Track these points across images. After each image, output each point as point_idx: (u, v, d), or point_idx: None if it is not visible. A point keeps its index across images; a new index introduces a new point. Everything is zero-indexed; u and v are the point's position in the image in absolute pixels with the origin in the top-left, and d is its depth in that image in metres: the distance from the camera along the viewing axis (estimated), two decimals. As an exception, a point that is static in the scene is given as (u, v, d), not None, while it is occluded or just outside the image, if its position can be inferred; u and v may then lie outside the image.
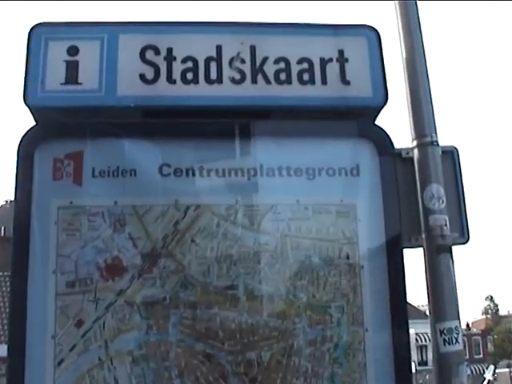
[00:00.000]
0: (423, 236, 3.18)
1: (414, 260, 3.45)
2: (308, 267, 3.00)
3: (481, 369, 38.81)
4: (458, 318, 3.12)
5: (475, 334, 55.78)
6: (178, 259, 2.94)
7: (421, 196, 3.21)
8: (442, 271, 3.13)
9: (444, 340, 3.07)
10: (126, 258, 2.95)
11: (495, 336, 57.52)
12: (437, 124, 3.30)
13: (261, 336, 2.93)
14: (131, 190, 3.01)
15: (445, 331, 3.07)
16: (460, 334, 3.08)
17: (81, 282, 2.93)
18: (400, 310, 3.03)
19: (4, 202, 30.53)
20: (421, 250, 3.21)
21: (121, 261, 2.94)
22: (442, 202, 3.18)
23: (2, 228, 25.30)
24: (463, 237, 3.30)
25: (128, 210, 2.98)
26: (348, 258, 3.06)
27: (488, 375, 31.54)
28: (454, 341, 3.07)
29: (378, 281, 3.05)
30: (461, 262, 3.37)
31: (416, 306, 37.27)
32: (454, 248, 3.15)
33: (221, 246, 2.97)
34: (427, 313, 3.18)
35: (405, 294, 3.04)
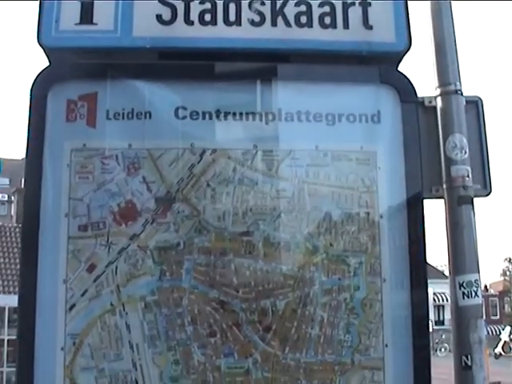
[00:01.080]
0: (444, 187, 2.81)
1: (433, 216, 3.07)
2: (326, 215, 2.66)
3: (497, 330, 38.16)
4: (478, 272, 2.77)
5: (493, 296, 54.18)
6: (193, 204, 2.59)
7: (443, 146, 2.86)
8: (463, 223, 2.78)
9: (463, 293, 2.73)
10: (139, 202, 2.62)
11: (513, 298, 55.82)
12: (461, 74, 2.87)
13: (276, 284, 2.59)
14: (146, 132, 2.68)
15: (464, 284, 2.73)
16: (479, 288, 2.75)
17: (93, 225, 2.60)
18: (419, 262, 2.69)
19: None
20: (441, 202, 2.81)
21: (134, 205, 2.60)
22: (465, 152, 2.82)
23: (23, 180, 24.99)
24: (485, 189, 2.95)
25: (142, 154, 2.65)
26: (367, 206, 2.65)
27: (504, 336, 31.02)
28: (473, 294, 2.72)
29: (397, 231, 2.70)
30: (481, 223, 2.99)
31: (435, 266, 36.54)
32: (476, 202, 2.76)
33: (237, 191, 2.62)
34: (446, 273, 2.81)
35: (424, 245, 2.70)
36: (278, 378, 2.57)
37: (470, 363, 2.68)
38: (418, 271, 2.69)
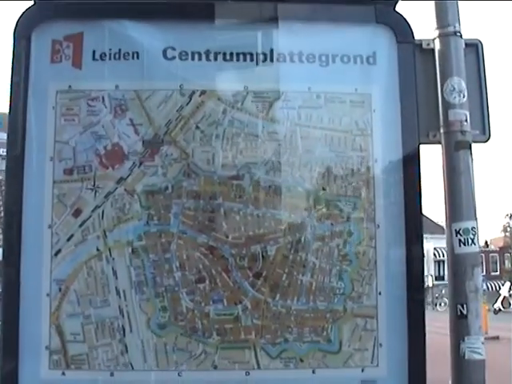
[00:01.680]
0: (442, 131, 2.56)
1: (430, 164, 2.84)
2: (318, 158, 2.43)
3: (497, 285, 37.68)
4: (475, 219, 2.56)
5: (493, 252, 52.95)
6: (182, 147, 2.38)
7: (441, 89, 2.63)
8: (461, 169, 2.54)
9: (459, 241, 2.51)
10: (126, 145, 2.41)
11: (512, 253, 54.38)
12: (461, 18, 2.63)
13: (266, 229, 2.37)
14: (133, 73, 2.46)
15: (461, 231, 2.51)
16: (476, 236, 2.52)
17: (79, 169, 2.39)
18: (414, 207, 2.47)
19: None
20: (438, 148, 2.57)
21: (121, 148, 2.39)
22: (463, 96, 2.58)
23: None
24: (484, 134, 2.73)
25: (130, 95, 2.43)
26: (361, 150, 2.41)
27: (504, 291, 30.60)
28: (470, 242, 2.50)
29: (392, 176, 2.48)
30: (482, 177, 2.74)
31: (435, 221, 35.85)
32: (477, 155, 2.54)
33: (226, 133, 2.40)
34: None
35: (420, 190, 2.47)
36: (268, 326, 2.37)
37: (465, 312, 2.48)
38: (414, 217, 2.47)
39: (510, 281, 32.02)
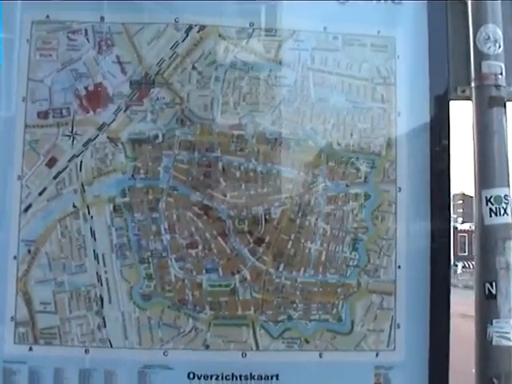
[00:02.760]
0: (473, 85, 1.99)
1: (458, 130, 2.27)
2: (333, 109, 1.86)
3: None
4: (508, 186, 1.93)
5: None
6: (175, 89, 1.84)
7: (473, 38, 2.03)
8: (494, 127, 2.00)
9: (490, 210, 1.96)
10: (111, 86, 1.88)
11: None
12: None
13: (271, 188, 1.82)
14: (121, 4, 1.92)
15: (492, 199, 1.97)
16: (510, 205, 1.92)
17: (55, 112, 1.86)
18: (442, 170, 1.90)
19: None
20: (468, 106, 2.01)
21: (105, 89, 1.85)
22: (499, 46, 2.03)
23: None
24: (520, 92, 2.12)
25: (117, 28, 1.91)
26: (382, 101, 1.85)
27: None
28: (502, 212, 1.96)
29: (417, 133, 1.93)
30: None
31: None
32: (510, 110, 1.98)
33: (228, 75, 1.85)
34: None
35: (449, 151, 1.90)
36: (269, 300, 1.83)
37: (494, 292, 1.93)
38: (441, 181, 1.90)
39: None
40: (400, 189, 1.92)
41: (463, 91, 2.10)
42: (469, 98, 2.08)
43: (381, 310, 1.91)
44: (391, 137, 1.93)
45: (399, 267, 1.90)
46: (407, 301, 1.91)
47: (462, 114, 2.20)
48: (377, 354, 1.91)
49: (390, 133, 1.93)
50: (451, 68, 2.07)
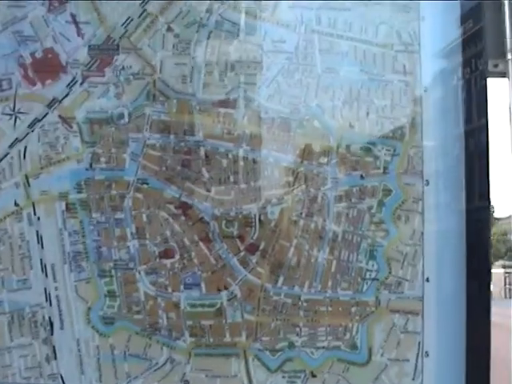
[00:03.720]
0: (509, 58, 1.50)
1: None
2: (344, 81, 1.36)
3: None
4: None
5: None
6: (145, 56, 1.34)
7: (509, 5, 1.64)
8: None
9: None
10: (64, 52, 1.39)
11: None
12: None
13: (267, 180, 1.30)
14: (78, -50, 1.36)
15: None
16: None
17: (-7, 85, 1.30)
18: (478, 159, 1.37)
19: None
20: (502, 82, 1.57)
21: (57, 55, 1.38)
22: (539, 12, 1.54)
23: None
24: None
25: (72, -20, 1.33)
26: (405, 73, 1.36)
27: None
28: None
29: (447, 113, 1.39)
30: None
31: None
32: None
33: (212, 39, 1.33)
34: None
35: (487, 136, 1.38)
36: (265, 323, 1.34)
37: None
38: (477, 172, 1.40)
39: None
40: (428, 182, 1.45)
41: (496, 65, 1.62)
42: (503, 74, 1.59)
43: (405, 333, 1.43)
44: (416, 117, 1.44)
45: (427, 280, 1.43)
46: (438, 322, 1.44)
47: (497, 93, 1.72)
48: None
49: (414, 112, 1.45)
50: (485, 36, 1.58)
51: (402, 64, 1.50)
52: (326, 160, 1.45)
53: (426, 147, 1.49)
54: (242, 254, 1.41)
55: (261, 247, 1.42)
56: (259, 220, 1.42)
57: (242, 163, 1.42)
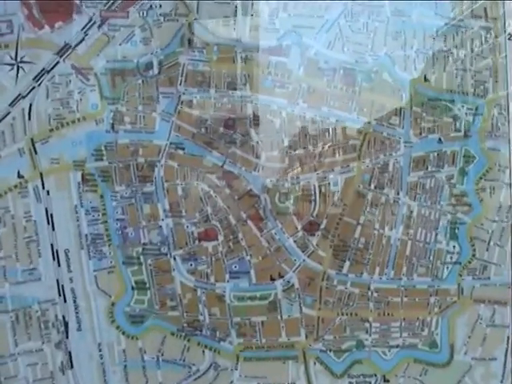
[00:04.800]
0: None
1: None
2: (417, 27, 1.10)
3: None
4: None
5: None
6: None
7: None
8: None
9: None
10: (77, -11, 0.98)
11: None
12: None
13: (328, 145, 0.97)
14: None
15: None
16: None
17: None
18: None
19: None
20: None
21: (67, -7, 0.98)
22: None
23: None
24: None
25: None
26: (486, 17, 1.05)
27: None
28: None
29: None
30: None
31: None
32: None
33: None
34: None
35: None
36: (328, 318, 1.02)
37: None
38: None
39: None
40: None
41: None
42: None
43: (492, 327, 1.12)
44: (500, 70, 1.12)
45: None
46: None
47: None
48: None
49: (498, 64, 1.12)
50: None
51: (483, 7, 1.19)
52: (397, 120, 1.13)
53: None
54: (300, 234, 1.09)
55: (322, 226, 1.10)
56: (320, 193, 1.09)
57: (297, 123, 1.09)
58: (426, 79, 1.18)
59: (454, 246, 1.18)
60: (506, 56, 1.22)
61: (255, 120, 1.12)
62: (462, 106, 1.19)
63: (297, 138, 1.13)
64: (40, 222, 1.09)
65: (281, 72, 1.13)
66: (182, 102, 1.12)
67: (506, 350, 1.20)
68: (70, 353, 1.10)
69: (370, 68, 1.16)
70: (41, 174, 1.10)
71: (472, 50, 1.21)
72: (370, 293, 1.15)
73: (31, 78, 1.11)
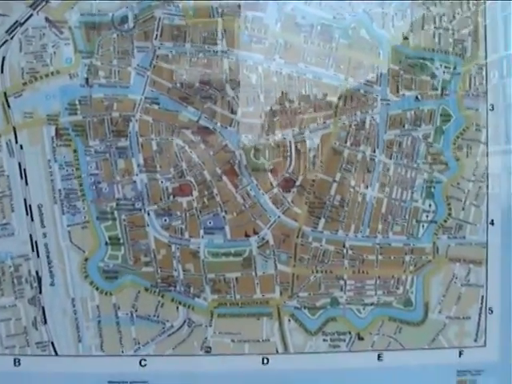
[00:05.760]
0: None
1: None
2: None
3: None
4: None
5: None
6: None
7: None
8: None
9: None
10: None
11: None
12: None
13: (304, 100, 0.96)
14: None
15: None
16: None
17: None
18: None
19: None
20: None
21: None
22: None
23: None
24: None
25: None
26: None
27: None
28: None
29: None
30: None
31: None
32: None
33: None
34: None
35: None
36: (303, 275, 0.97)
37: None
38: None
39: None
40: (492, 107, 1.09)
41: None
42: None
43: (466, 286, 1.11)
44: (479, 29, 1.09)
45: (492, 223, 1.09)
46: (504, 273, 1.09)
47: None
48: (460, 353, 1.10)
49: (477, 23, 1.10)
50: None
51: (462, -35, 1.15)
52: (374, 77, 1.10)
53: (491, 65, 1.14)
54: (275, 190, 1.06)
55: (298, 182, 1.07)
56: (296, 149, 1.06)
57: (274, 78, 1.06)
58: (404, 37, 1.15)
59: (429, 205, 1.15)
60: (484, 15, 1.19)
61: (231, 75, 1.09)
62: (440, 65, 1.16)
63: (273, 94, 1.10)
64: (13, 177, 1.06)
65: (257, 27, 1.10)
66: (157, 57, 1.08)
67: (480, 309, 1.18)
68: (43, 308, 1.07)
69: (348, 25, 1.13)
70: (14, 128, 1.06)
71: (451, 9, 1.17)
72: (345, 250, 1.12)
73: (4, 30, 1.07)
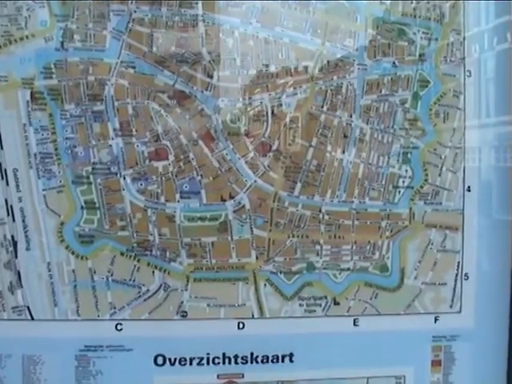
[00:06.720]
0: None
1: None
2: None
3: None
4: None
5: None
6: None
7: None
8: None
9: None
10: None
11: None
12: None
13: (281, 65, 0.96)
14: None
15: None
16: None
17: None
18: None
19: None
20: None
21: None
22: None
23: None
24: None
25: None
26: None
27: None
28: None
29: None
30: None
31: None
32: None
33: None
34: None
35: None
36: (279, 240, 0.97)
37: None
38: None
39: None
40: (470, 73, 1.07)
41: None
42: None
43: (442, 252, 1.09)
44: None
45: (469, 189, 1.07)
46: (480, 240, 1.08)
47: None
48: (436, 319, 1.08)
49: None
50: None
51: None
52: (351, 42, 1.08)
53: (469, 31, 1.12)
54: (251, 154, 1.04)
55: (274, 147, 1.05)
56: (272, 113, 1.04)
57: (251, 43, 1.04)
58: (381, 2, 1.13)
59: (406, 171, 1.14)
60: (462, -19, 1.17)
61: (207, 39, 1.07)
62: (418, 30, 1.14)
63: (249, 58, 1.08)
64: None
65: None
66: (133, 20, 1.06)
67: (456, 275, 1.17)
68: (18, 272, 1.06)
69: (325, -12, 1.11)
70: (-14, 90, 1.04)
71: (429, -26, 1.15)
72: (321, 215, 1.11)
73: (-23, -7, 1.04)
